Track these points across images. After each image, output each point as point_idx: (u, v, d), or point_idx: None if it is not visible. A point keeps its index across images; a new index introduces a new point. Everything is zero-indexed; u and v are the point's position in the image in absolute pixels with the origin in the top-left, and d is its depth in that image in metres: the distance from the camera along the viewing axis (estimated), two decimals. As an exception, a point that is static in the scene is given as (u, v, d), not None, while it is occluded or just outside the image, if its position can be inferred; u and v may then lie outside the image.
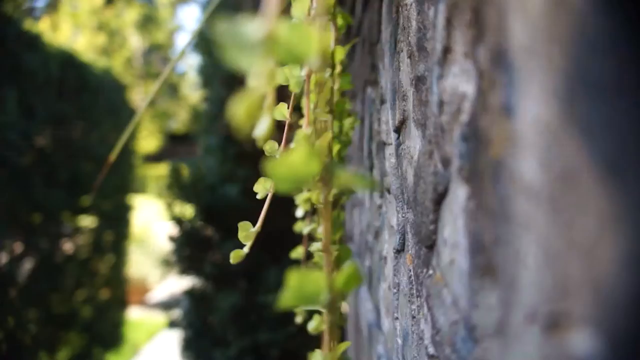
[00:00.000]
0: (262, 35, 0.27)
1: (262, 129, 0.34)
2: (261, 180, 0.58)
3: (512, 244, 0.32)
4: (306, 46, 0.29)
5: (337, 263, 0.63)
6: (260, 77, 0.27)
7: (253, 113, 0.27)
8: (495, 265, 0.34)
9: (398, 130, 0.69)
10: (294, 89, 0.53)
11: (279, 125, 0.50)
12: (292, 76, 0.51)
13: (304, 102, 0.55)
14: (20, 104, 2.99)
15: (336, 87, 0.69)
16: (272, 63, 0.28)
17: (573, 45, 0.25)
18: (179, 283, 3.60)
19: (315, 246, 0.61)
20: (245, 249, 0.55)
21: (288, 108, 0.57)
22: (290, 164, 0.30)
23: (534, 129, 0.29)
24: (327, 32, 0.60)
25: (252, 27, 0.28)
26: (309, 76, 0.52)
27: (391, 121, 0.74)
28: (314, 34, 0.29)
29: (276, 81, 0.32)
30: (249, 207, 2.75)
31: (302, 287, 0.31)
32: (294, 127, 0.57)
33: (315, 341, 0.64)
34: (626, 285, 0.22)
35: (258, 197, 0.58)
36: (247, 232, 0.55)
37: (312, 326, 0.76)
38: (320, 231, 0.63)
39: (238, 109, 0.27)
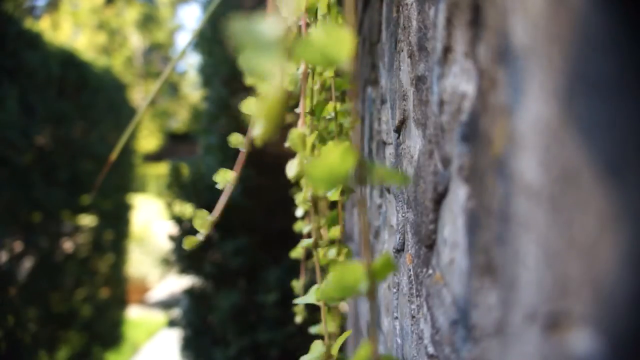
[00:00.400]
0: (279, 33, 0.27)
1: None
2: (221, 171, 0.59)
3: (511, 244, 0.32)
4: (340, 49, 0.29)
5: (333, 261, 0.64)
6: (278, 77, 0.27)
7: (274, 114, 0.27)
8: (494, 264, 0.34)
9: (398, 129, 0.69)
10: (289, 87, 0.53)
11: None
12: (287, 74, 0.52)
13: (301, 101, 0.55)
14: (21, 102, 2.99)
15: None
16: (289, 62, 0.28)
17: (573, 44, 0.25)
18: (179, 282, 3.60)
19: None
20: (200, 236, 0.57)
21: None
22: (327, 164, 0.31)
23: (534, 129, 0.29)
24: (355, 36, 0.61)
25: (268, 26, 0.28)
26: (305, 75, 0.52)
27: (391, 121, 0.74)
28: (348, 38, 0.29)
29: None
30: (249, 207, 2.75)
31: (342, 279, 0.33)
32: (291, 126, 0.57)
33: (314, 341, 0.64)
34: (626, 284, 0.22)
35: (218, 187, 0.59)
36: (203, 220, 0.56)
37: (315, 328, 0.76)
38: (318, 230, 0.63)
39: (259, 112, 0.27)
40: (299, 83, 0.54)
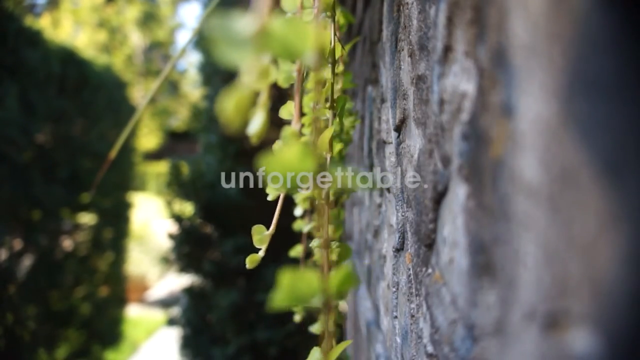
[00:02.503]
0: (253, 30, 0.27)
1: (256, 126, 0.33)
2: None
3: (511, 243, 0.32)
4: (302, 42, 0.28)
5: (337, 261, 0.64)
6: (250, 73, 0.27)
7: (243, 109, 0.27)
8: (494, 264, 0.35)
9: (398, 129, 0.69)
10: (283, 84, 0.53)
11: (274, 123, 0.50)
12: (282, 71, 0.51)
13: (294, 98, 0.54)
14: (21, 100, 2.99)
15: (338, 86, 0.68)
16: (266, 59, 0.28)
17: (573, 44, 0.25)
18: (178, 281, 3.61)
19: (316, 242, 0.61)
20: (261, 253, 0.55)
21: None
22: (285, 161, 0.30)
23: (534, 128, 0.29)
24: (325, 29, 0.60)
25: (243, 22, 0.27)
26: (299, 71, 0.52)
27: (391, 120, 0.74)
28: (310, 30, 0.28)
29: (270, 78, 0.32)
30: (249, 205, 2.75)
31: (295, 287, 0.30)
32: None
33: (313, 340, 0.64)
34: (625, 283, 0.22)
35: (269, 198, 0.57)
36: (261, 236, 0.55)
37: (315, 327, 0.76)
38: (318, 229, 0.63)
39: (227, 104, 0.27)
40: (295, 80, 0.54)
